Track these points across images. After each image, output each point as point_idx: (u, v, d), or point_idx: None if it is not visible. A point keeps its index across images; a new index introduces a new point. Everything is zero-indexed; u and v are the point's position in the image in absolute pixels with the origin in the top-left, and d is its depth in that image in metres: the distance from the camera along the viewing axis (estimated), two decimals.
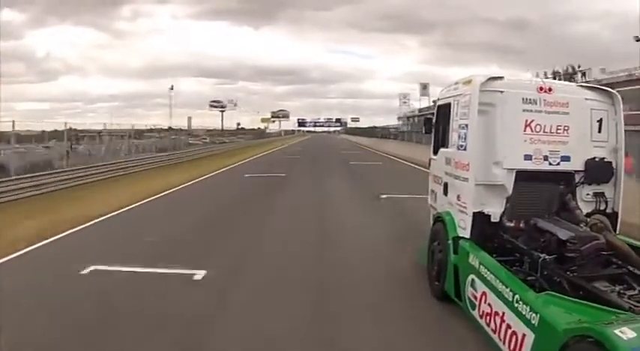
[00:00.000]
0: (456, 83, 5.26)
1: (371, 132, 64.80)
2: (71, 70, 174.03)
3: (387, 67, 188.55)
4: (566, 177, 4.91)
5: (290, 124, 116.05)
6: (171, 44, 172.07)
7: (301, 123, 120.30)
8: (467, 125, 4.79)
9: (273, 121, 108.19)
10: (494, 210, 4.81)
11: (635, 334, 2.55)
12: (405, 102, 72.32)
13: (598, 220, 4.66)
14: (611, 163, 4.97)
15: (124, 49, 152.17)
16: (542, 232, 4.42)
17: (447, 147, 5.35)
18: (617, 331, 2.60)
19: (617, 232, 4.74)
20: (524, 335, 3.36)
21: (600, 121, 5.00)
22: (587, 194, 4.98)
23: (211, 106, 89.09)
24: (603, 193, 5.00)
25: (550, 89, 4.90)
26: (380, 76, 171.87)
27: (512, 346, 3.49)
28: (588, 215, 4.79)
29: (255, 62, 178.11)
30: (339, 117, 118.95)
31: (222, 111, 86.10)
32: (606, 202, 5.00)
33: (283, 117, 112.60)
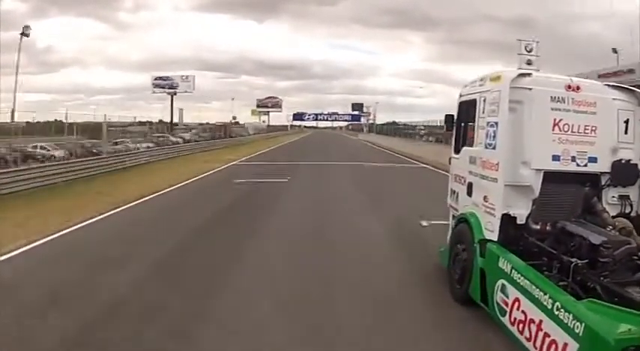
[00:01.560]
0: (482, 79, 5.09)
1: (393, 130, 55.62)
2: (72, 62, 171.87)
3: (390, 63, 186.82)
4: (593, 179, 4.79)
5: (284, 117, 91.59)
6: (173, 36, 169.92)
7: (298, 116, 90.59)
8: (496, 123, 4.63)
9: (264, 114, 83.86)
10: (521, 212, 4.66)
11: None
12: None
13: (625, 224, 4.56)
14: (636, 165, 4.86)
15: (125, 41, 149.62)
16: (571, 236, 4.29)
17: (471, 145, 5.18)
18: None
19: None
20: (565, 344, 3.23)
21: (627, 121, 4.89)
22: (613, 197, 4.86)
23: (155, 85, 55.29)
24: (628, 195, 4.89)
25: (578, 87, 4.77)
26: (383, 73, 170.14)
27: None
28: (612, 218, 4.68)
29: (258, 56, 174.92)
30: (357, 103, 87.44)
31: (172, 94, 53.22)
32: (631, 205, 4.89)
33: (273, 107, 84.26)
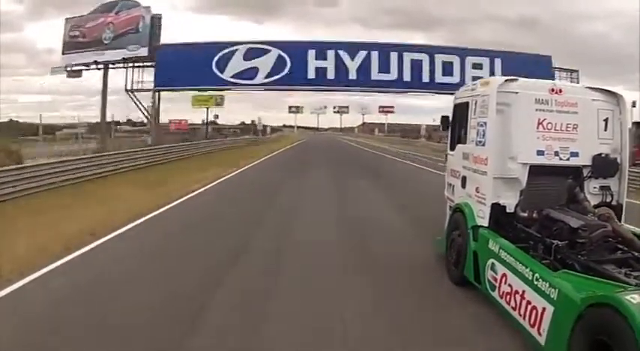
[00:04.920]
0: (474, 84, 5.69)
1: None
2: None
3: None
4: (575, 171, 5.31)
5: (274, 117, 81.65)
6: (171, 37, 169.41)
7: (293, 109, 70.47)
8: (485, 123, 5.21)
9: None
10: (510, 201, 5.21)
11: None
12: None
13: (605, 211, 5.08)
14: (616, 158, 5.38)
15: None
16: (554, 221, 4.81)
17: (464, 143, 5.76)
18: (628, 297, 3.00)
19: (622, 222, 5.14)
20: (544, 309, 3.75)
21: (606, 120, 5.41)
22: (594, 187, 5.38)
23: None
24: (609, 186, 5.41)
25: (560, 90, 5.31)
26: None
27: (532, 320, 3.88)
28: (595, 207, 5.19)
29: None
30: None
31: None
32: (612, 195, 5.40)
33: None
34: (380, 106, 70.41)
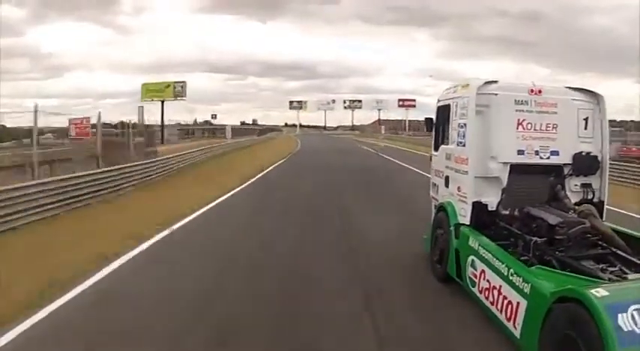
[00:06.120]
0: (455, 86, 5.81)
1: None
2: (76, 67, 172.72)
3: (398, 61, 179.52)
4: (556, 170, 5.42)
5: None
6: (177, 39, 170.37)
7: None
8: (465, 124, 5.33)
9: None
10: (491, 200, 5.33)
11: (607, 293, 3.07)
12: None
13: (585, 208, 5.18)
14: (596, 156, 5.49)
15: (129, 44, 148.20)
16: (534, 219, 4.92)
17: (447, 144, 5.89)
18: (593, 291, 3.11)
19: (604, 219, 5.24)
20: (518, 303, 3.88)
21: (586, 119, 5.52)
22: (576, 185, 5.49)
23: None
24: (590, 184, 5.51)
25: (540, 91, 5.43)
26: (391, 72, 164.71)
27: (508, 314, 4.00)
28: (577, 204, 5.30)
29: (264, 57, 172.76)
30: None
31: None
32: (593, 192, 5.51)
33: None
34: (399, 99, 59.87)
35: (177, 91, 29.13)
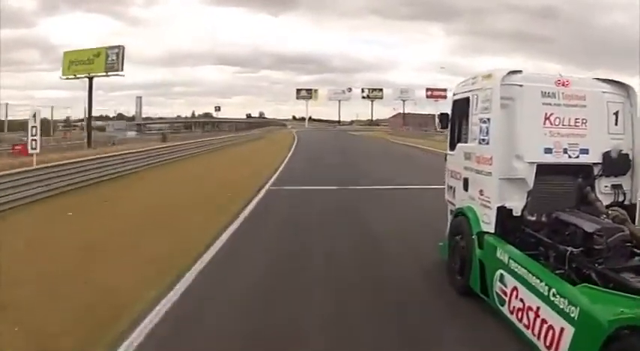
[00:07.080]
0: (474, 77, 5.26)
1: None
2: None
3: (411, 56, 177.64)
4: (585, 170, 4.93)
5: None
6: (188, 31, 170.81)
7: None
8: (489, 119, 4.78)
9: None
10: (516, 204, 4.80)
11: None
12: None
13: (618, 212, 4.70)
14: (628, 155, 5.00)
15: (140, 36, 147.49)
16: (565, 225, 4.42)
17: (465, 142, 5.34)
18: None
19: (637, 224, 4.77)
20: (562, 329, 3.36)
21: (616, 113, 5.03)
22: (606, 186, 5.00)
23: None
24: (621, 185, 5.03)
25: (567, 82, 4.92)
26: (404, 67, 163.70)
27: (548, 341, 3.48)
28: (606, 207, 4.82)
29: (277, 50, 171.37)
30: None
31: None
32: (624, 194, 5.03)
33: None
34: (427, 89, 47.16)
35: (111, 61, 19.28)
